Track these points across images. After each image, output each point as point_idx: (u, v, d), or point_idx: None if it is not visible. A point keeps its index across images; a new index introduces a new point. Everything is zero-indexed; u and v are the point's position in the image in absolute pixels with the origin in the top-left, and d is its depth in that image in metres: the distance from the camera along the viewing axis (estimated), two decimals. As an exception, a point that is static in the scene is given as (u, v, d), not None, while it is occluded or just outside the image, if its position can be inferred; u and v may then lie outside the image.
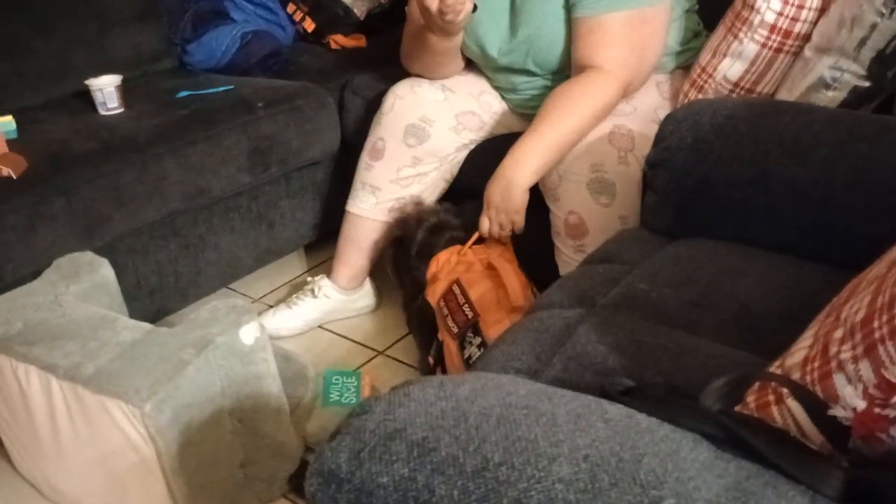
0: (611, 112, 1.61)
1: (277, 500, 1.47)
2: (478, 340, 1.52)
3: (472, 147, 1.88)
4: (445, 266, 1.67)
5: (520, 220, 1.62)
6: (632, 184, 1.60)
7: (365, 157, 1.90)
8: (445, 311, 1.59)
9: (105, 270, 1.53)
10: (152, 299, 1.82)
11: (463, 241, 1.70)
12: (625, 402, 0.77)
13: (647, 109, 1.65)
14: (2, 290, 1.53)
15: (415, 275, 1.74)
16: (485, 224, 1.65)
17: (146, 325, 1.36)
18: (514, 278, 1.59)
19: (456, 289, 1.60)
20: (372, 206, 1.89)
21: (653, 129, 1.61)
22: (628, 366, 0.96)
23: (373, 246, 1.93)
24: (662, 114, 1.66)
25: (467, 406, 0.75)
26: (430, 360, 1.64)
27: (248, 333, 1.34)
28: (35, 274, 1.58)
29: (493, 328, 1.53)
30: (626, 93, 1.63)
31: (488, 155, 1.79)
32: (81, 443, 1.33)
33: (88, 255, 1.55)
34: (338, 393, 1.63)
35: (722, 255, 1.16)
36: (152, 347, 1.30)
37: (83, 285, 1.48)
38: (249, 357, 1.35)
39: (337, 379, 1.67)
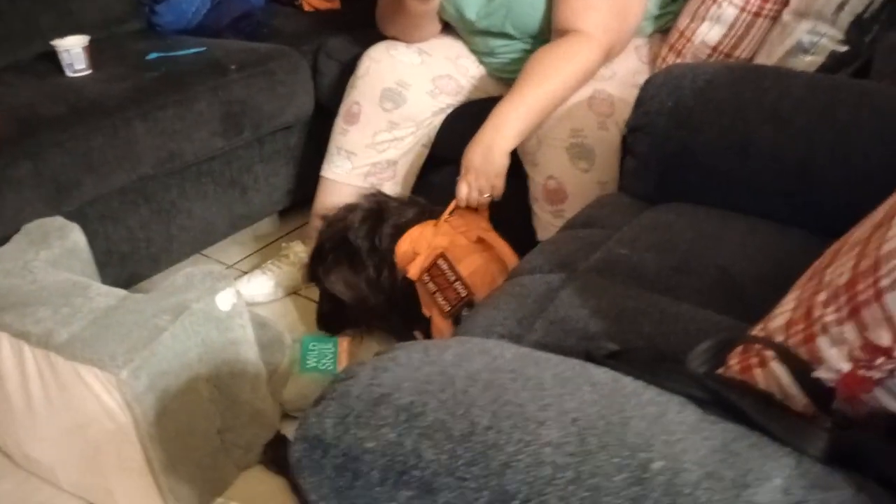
0: (592, 77, 1.59)
1: (254, 466, 1.47)
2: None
3: (448, 111, 1.86)
4: (420, 240, 1.61)
5: (500, 184, 1.60)
6: (611, 149, 1.59)
7: (340, 122, 1.87)
8: (432, 286, 1.55)
9: (76, 236, 1.50)
10: (124, 266, 1.79)
11: (407, 226, 1.64)
12: (610, 365, 0.77)
13: (626, 74, 1.64)
14: (-31, 257, 1.49)
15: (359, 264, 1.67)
16: (463, 189, 1.60)
17: (120, 292, 1.34)
18: (509, 252, 1.58)
19: (443, 263, 1.55)
20: (347, 171, 1.87)
21: (632, 94, 1.60)
22: (611, 330, 0.96)
23: (348, 211, 1.91)
24: (641, 78, 1.65)
25: (454, 371, 0.74)
26: (419, 335, 1.60)
27: (225, 300, 1.33)
28: (2, 240, 1.54)
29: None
30: (608, 57, 1.61)
31: (465, 119, 1.77)
32: (55, 410, 1.31)
33: (58, 221, 1.51)
34: (315, 359, 1.62)
35: (702, 220, 1.16)
36: (127, 314, 1.28)
37: (53, 251, 1.45)
38: (226, 323, 1.34)
39: (314, 345, 1.66)
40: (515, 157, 1.64)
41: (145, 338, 1.22)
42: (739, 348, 0.80)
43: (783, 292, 0.91)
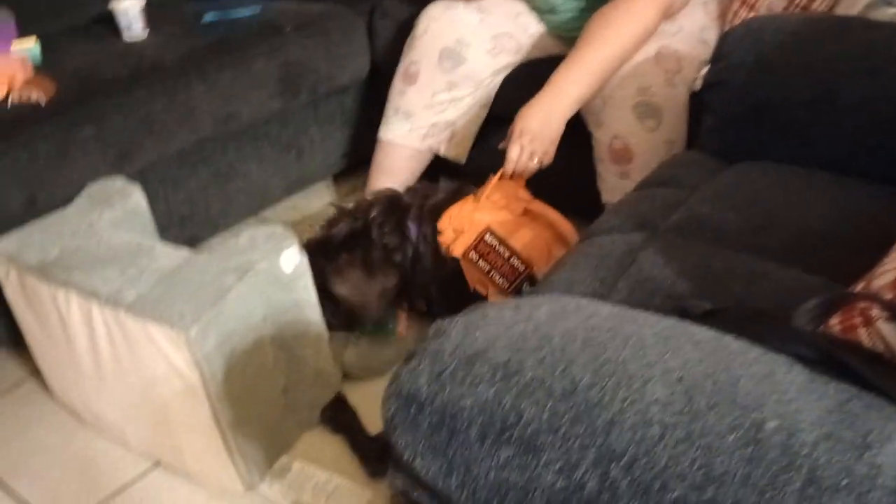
0: (651, 36, 1.55)
1: (317, 426, 1.47)
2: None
3: (508, 71, 1.82)
4: (461, 218, 1.55)
5: (552, 151, 1.57)
6: (679, 107, 1.55)
7: (398, 83, 1.84)
8: (483, 264, 1.51)
9: (137, 197, 1.50)
10: (183, 228, 1.80)
11: (440, 207, 1.57)
12: (708, 324, 0.74)
13: (694, 29, 1.59)
14: (35, 218, 1.50)
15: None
16: (515, 151, 1.55)
17: (184, 252, 1.34)
18: (559, 217, 1.54)
19: (491, 239, 1.51)
20: (405, 133, 1.84)
21: (700, 51, 1.56)
22: (698, 291, 0.93)
23: (406, 174, 1.88)
24: (709, 34, 1.61)
25: (549, 328, 0.72)
26: None
27: (289, 260, 1.32)
28: (68, 202, 1.55)
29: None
30: (667, 15, 1.56)
31: (525, 79, 1.74)
32: (123, 369, 1.32)
33: (120, 182, 1.51)
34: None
35: (785, 178, 1.12)
36: (192, 274, 1.27)
37: (116, 212, 1.45)
38: (290, 284, 1.33)
39: (373, 306, 1.64)
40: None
41: (212, 297, 1.22)
42: (841, 308, 0.77)
43: (874, 251, 0.88)
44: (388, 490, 1.19)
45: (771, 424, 0.61)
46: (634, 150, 1.56)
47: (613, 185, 1.61)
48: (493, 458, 0.66)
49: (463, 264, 1.53)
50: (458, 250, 1.53)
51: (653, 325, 0.72)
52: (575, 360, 0.68)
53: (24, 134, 1.47)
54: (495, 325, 0.74)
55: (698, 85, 1.55)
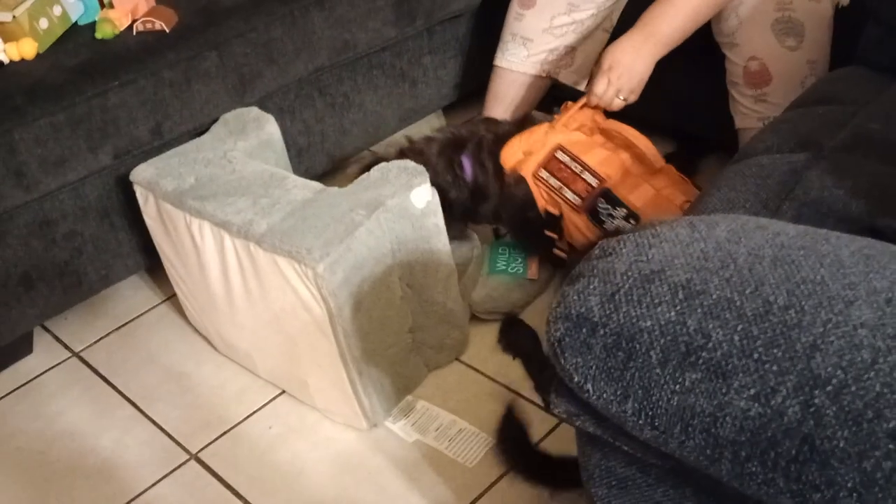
0: None
1: (444, 366, 1.46)
2: (621, 212, 1.41)
3: (633, -9, 1.73)
4: (532, 141, 1.51)
5: (639, 90, 1.50)
6: (822, 24, 1.45)
7: (515, 6, 1.78)
8: (555, 182, 1.47)
9: (271, 127, 1.49)
10: (300, 160, 1.79)
11: (503, 138, 1.54)
12: (907, 244, 0.68)
13: (845, -64, 1.47)
14: (161, 148, 1.51)
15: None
16: (601, 86, 1.49)
17: (316, 185, 1.32)
18: (637, 134, 1.47)
19: (562, 156, 1.47)
20: (523, 59, 1.78)
21: (849, -41, 1.44)
22: (874, 212, 0.86)
23: (523, 102, 1.82)
24: (861, -58, 1.48)
25: (732, 247, 0.67)
26: (551, 234, 1.51)
27: (420, 196, 1.29)
28: (191, 131, 1.56)
29: (634, 194, 1.42)
30: None
31: (651, 2, 1.64)
32: (254, 300, 1.33)
33: (254, 111, 1.51)
34: (504, 262, 1.57)
35: (965, 92, 1.02)
36: (323, 207, 1.26)
37: (250, 142, 1.45)
38: (420, 221, 1.30)
39: (503, 249, 1.60)
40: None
41: (341, 232, 1.20)
42: None
43: None
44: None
45: None
46: (773, 71, 1.47)
47: (748, 110, 1.52)
48: (676, 382, 0.62)
49: (531, 183, 1.49)
50: (527, 170, 1.49)
51: (848, 244, 0.66)
52: (765, 280, 0.63)
53: (148, 63, 1.47)
54: (670, 243, 0.69)
55: (846, 0, 1.44)
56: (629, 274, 0.68)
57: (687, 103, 1.75)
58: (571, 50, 1.76)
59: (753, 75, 1.49)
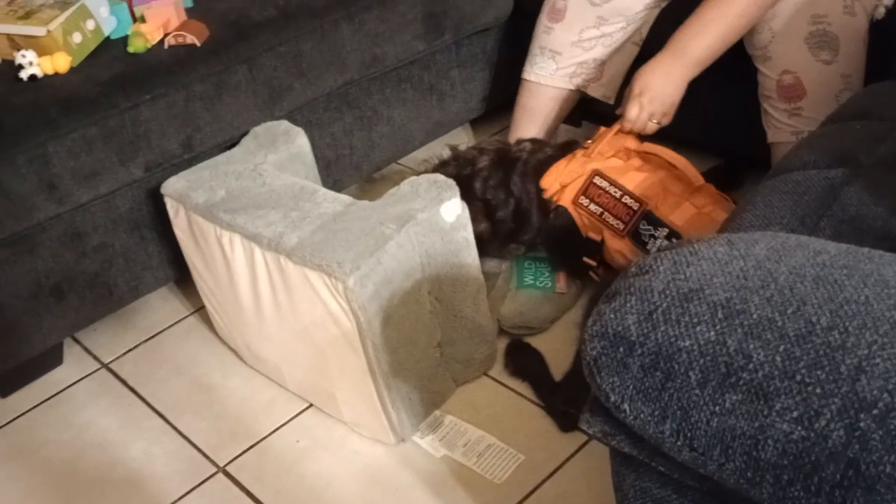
0: None
1: (472, 381, 1.45)
2: (663, 232, 1.40)
3: (663, 5, 1.72)
4: (567, 172, 1.51)
5: (672, 112, 1.50)
6: (857, 37, 1.43)
7: (543, 20, 1.77)
8: (595, 207, 1.46)
9: (301, 140, 1.50)
10: (328, 173, 1.79)
11: (547, 162, 1.53)
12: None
13: (880, -50, 1.45)
14: (191, 161, 1.53)
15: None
16: (634, 111, 1.49)
17: (346, 198, 1.33)
18: (674, 154, 1.46)
19: (601, 181, 1.46)
20: (552, 73, 1.77)
21: (885, -27, 1.43)
22: (916, 229, 0.84)
23: (552, 116, 1.82)
24: (896, -45, 1.47)
25: (772, 266, 0.66)
26: (591, 261, 1.50)
27: (450, 210, 1.29)
28: (221, 144, 1.57)
29: (675, 214, 1.40)
30: None
31: (683, 14, 1.62)
32: (283, 313, 1.33)
33: (284, 124, 1.51)
34: (532, 277, 1.56)
35: None
36: (353, 220, 1.26)
37: (280, 155, 1.45)
38: (450, 235, 1.30)
39: (530, 263, 1.59)
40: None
41: (371, 246, 1.20)
42: None
43: None
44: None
45: None
46: (807, 85, 1.45)
47: (781, 124, 1.50)
48: (716, 403, 0.61)
49: (573, 211, 1.49)
50: (566, 199, 1.49)
51: (892, 263, 0.65)
52: (807, 300, 0.62)
53: (180, 76, 1.48)
54: (708, 261, 0.68)
55: (881, 13, 1.43)
56: (667, 292, 0.67)
57: (718, 118, 1.73)
58: (601, 63, 1.75)
59: (787, 89, 1.48)
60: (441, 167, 1.61)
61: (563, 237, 1.53)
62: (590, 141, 1.55)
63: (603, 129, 1.55)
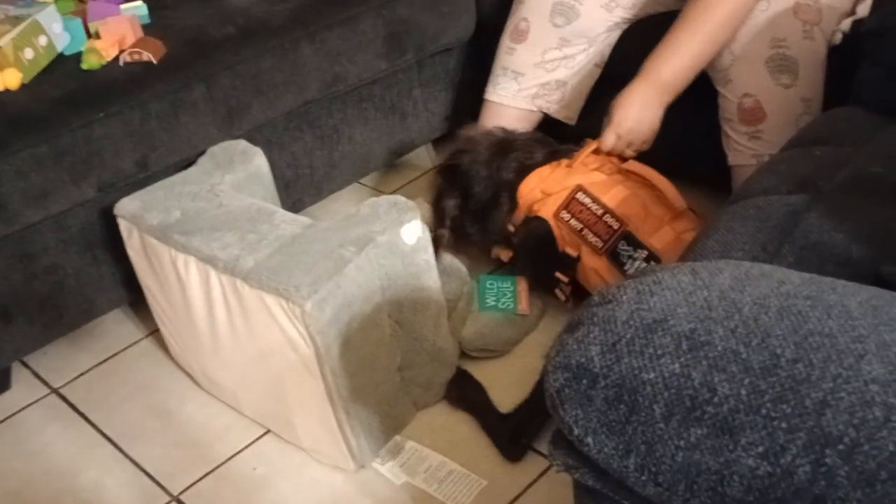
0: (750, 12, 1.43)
1: (432, 405, 1.42)
2: (642, 254, 1.39)
3: (624, 27, 1.73)
4: (551, 181, 1.51)
5: (652, 139, 1.52)
6: (817, 61, 1.44)
7: (506, 40, 1.77)
8: (575, 223, 1.45)
9: (259, 160, 1.47)
10: (288, 193, 1.77)
11: (532, 167, 1.54)
12: (914, 293, 0.66)
13: (836, -23, 1.47)
14: (146, 181, 1.49)
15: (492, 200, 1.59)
16: (611, 140, 1.51)
17: (304, 220, 1.30)
18: (657, 174, 1.47)
19: (584, 197, 1.45)
20: (514, 93, 1.77)
21: (841, 1, 1.45)
22: (876, 256, 0.84)
23: (513, 136, 1.82)
24: (852, -18, 1.49)
25: (736, 296, 0.65)
26: (563, 276, 1.50)
27: (410, 232, 1.27)
28: (177, 164, 1.53)
29: (655, 237, 1.40)
30: None
31: (644, 36, 1.64)
32: (239, 337, 1.30)
33: (242, 144, 1.49)
34: (494, 298, 1.55)
35: (963, 134, 1.01)
36: (312, 243, 1.23)
37: (238, 175, 1.42)
38: (410, 257, 1.28)
39: (492, 284, 1.58)
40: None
41: (330, 269, 1.18)
42: None
43: None
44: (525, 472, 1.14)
45: None
46: (767, 108, 1.46)
47: (743, 147, 1.51)
48: (681, 438, 0.60)
49: (553, 224, 1.48)
50: (547, 211, 1.49)
51: (855, 294, 0.64)
52: (772, 332, 0.61)
53: (135, 94, 1.45)
54: (672, 291, 0.67)
55: (838, 38, 1.44)
56: (630, 322, 0.66)
57: (681, 141, 1.74)
58: (563, 85, 1.76)
59: (747, 112, 1.49)
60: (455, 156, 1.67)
61: (538, 247, 1.52)
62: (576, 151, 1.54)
63: (589, 140, 1.55)
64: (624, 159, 1.53)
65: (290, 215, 1.32)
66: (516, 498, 1.26)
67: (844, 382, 0.57)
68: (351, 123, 1.83)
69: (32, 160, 1.34)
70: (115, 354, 1.63)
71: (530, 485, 1.28)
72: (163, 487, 1.35)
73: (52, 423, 1.50)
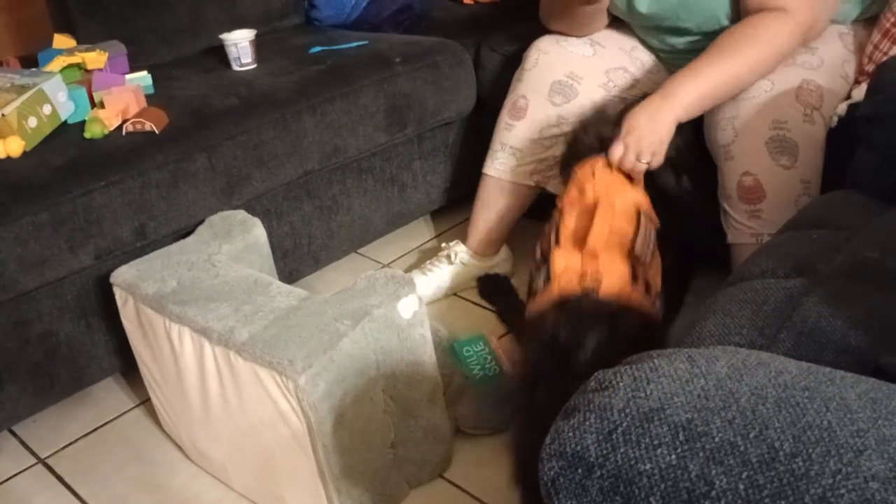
0: (786, 59, 1.46)
1: (426, 484, 1.40)
2: (543, 274, 1.34)
3: (621, 108, 1.75)
4: (609, 184, 1.44)
5: (661, 153, 1.46)
6: (816, 145, 1.45)
7: (505, 117, 1.79)
8: (545, 230, 1.40)
9: (257, 230, 1.47)
10: (286, 262, 1.77)
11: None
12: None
13: (835, 63, 1.50)
14: (143, 249, 1.49)
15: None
16: (618, 151, 1.45)
17: (301, 292, 1.30)
18: (605, 222, 1.35)
19: (556, 214, 1.42)
20: (512, 169, 1.79)
21: (840, 85, 1.47)
22: (875, 343, 0.84)
23: (512, 211, 1.83)
24: (849, 68, 1.51)
25: (733, 385, 0.64)
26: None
27: (407, 307, 1.26)
28: (175, 232, 1.54)
29: (558, 262, 1.31)
30: (805, 39, 1.47)
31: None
32: (231, 410, 1.28)
33: (241, 214, 1.49)
34: (478, 365, 1.53)
35: (958, 221, 1.02)
36: (307, 316, 1.23)
37: (235, 245, 1.42)
38: (406, 332, 1.27)
39: (468, 350, 1.56)
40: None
41: (325, 342, 1.17)
42: None
43: None
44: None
45: None
46: (766, 188, 1.47)
47: (742, 225, 1.51)
48: (678, 532, 0.58)
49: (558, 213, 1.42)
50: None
51: (854, 385, 0.64)
52: (770, 424, 0.60)
53: (136, 163, 1.46)
54: (669, 378, 0.66)
55: (834, 122, 1.46)
56: (627, 411, 0.65)
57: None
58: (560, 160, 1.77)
59: (747, 190, 1.49)
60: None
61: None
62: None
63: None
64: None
65: (286, 287, 1.31)
66: (510, 582, 1.23)
67: (844, 479, 0.56)
68: (350, 194, 1.84)
69: (32, 227, 1.35)
70: (105, 424, 1.61)
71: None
72: (147, 564, 1.32)
73: (38, 494, 1.47)
